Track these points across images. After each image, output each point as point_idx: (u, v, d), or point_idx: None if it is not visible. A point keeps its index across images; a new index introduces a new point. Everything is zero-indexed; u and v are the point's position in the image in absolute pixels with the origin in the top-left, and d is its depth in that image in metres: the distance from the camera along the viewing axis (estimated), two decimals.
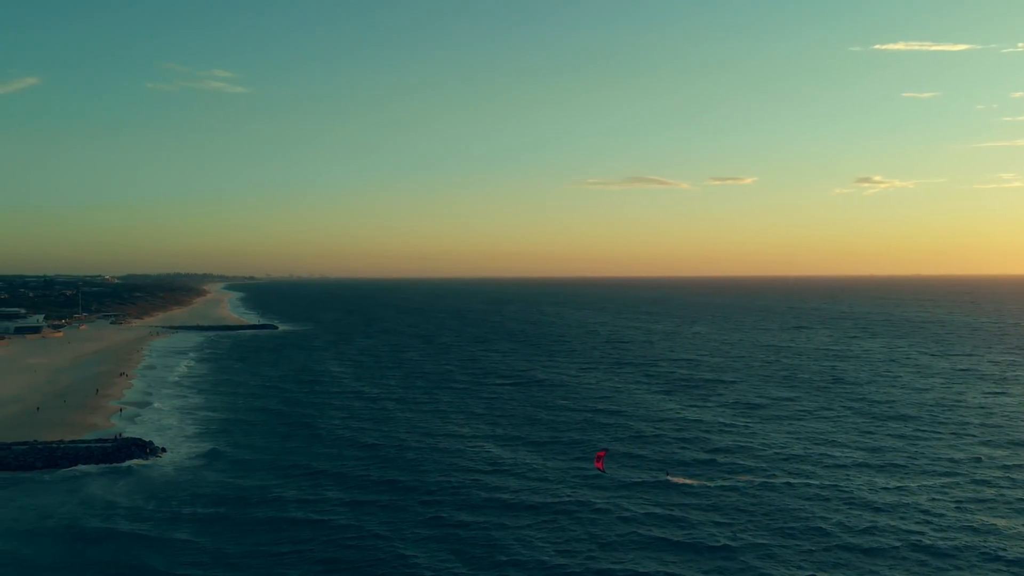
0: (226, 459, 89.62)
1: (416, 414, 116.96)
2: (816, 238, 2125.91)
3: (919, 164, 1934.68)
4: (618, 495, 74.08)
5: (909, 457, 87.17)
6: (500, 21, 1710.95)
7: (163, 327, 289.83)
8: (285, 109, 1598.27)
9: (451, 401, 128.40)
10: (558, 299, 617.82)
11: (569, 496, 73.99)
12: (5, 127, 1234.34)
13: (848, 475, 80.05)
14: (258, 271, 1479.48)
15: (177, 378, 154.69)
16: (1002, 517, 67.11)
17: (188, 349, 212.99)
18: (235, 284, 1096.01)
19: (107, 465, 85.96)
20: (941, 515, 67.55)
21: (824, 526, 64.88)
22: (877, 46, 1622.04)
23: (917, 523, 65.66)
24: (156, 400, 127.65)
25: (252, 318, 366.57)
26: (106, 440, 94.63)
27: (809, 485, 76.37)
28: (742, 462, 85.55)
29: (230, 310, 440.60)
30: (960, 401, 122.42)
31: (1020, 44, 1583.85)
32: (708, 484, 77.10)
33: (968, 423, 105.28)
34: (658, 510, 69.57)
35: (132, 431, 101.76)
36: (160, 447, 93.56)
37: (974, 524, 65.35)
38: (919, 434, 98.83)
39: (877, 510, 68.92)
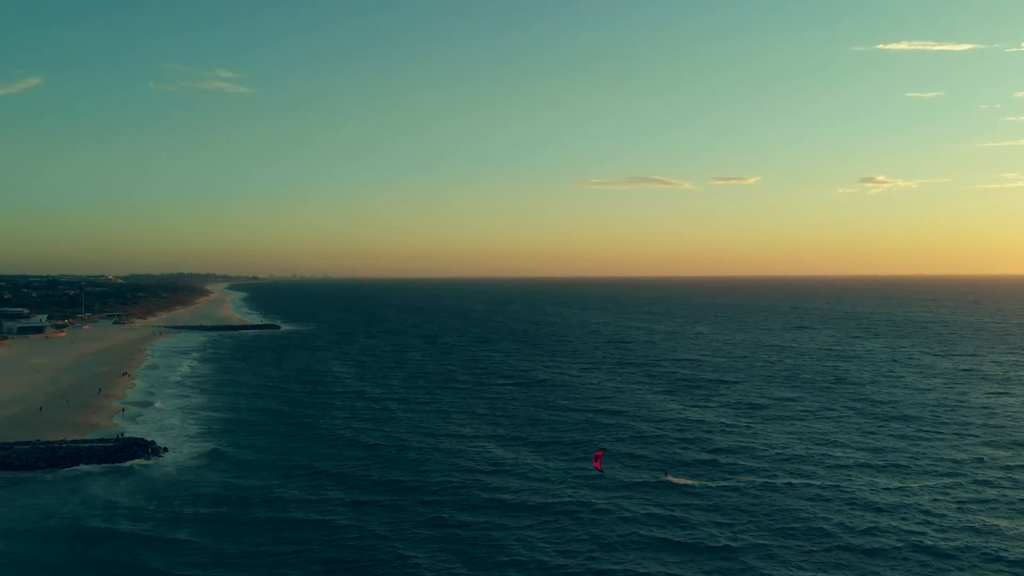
0: (228, 459, 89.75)
1: (418, 414, 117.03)
2: (819, 238, 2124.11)
3: (922, 164, 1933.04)
4: (619, 495, 74.07)
5: (911, 457, 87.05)
6: (503, 21, 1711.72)
7: (166, 327, 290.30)
8: (288, 109, 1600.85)
9: (453, 401, 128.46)
10: (561, 299, 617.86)
11: (570, 496, 73.99)
12: (9, 127, 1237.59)
13: (850, 475, 79.96)
14: (261, 271, 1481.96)
15: (179, 378, 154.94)
16: (1004, 518, 66.99)
17: (191, 349, 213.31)
18: (238, 284, 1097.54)
19: (109, 465, 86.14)
20: (943, 516, 67.45)
21: (825, 527, 64.81)
22: (880, 46, 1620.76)
23: (918, 524, 65.57)
24: (158, 400, 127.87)
25: (255, 318, 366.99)
26: (108, 440, 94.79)
27: (810, 485, 76.30)
28: (743, 462, 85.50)
29: (233, 310, 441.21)
30: (963, 401, 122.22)
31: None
32: (709, 484, 77.06)
33: (970, 423, 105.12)
34: (659, 510, 69.55)
35: (134, 431, 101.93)
36: (162, 447, 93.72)
37: (976, 525, 65.25)
38: (921, 434, 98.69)
39: (879, 511, 68.84)
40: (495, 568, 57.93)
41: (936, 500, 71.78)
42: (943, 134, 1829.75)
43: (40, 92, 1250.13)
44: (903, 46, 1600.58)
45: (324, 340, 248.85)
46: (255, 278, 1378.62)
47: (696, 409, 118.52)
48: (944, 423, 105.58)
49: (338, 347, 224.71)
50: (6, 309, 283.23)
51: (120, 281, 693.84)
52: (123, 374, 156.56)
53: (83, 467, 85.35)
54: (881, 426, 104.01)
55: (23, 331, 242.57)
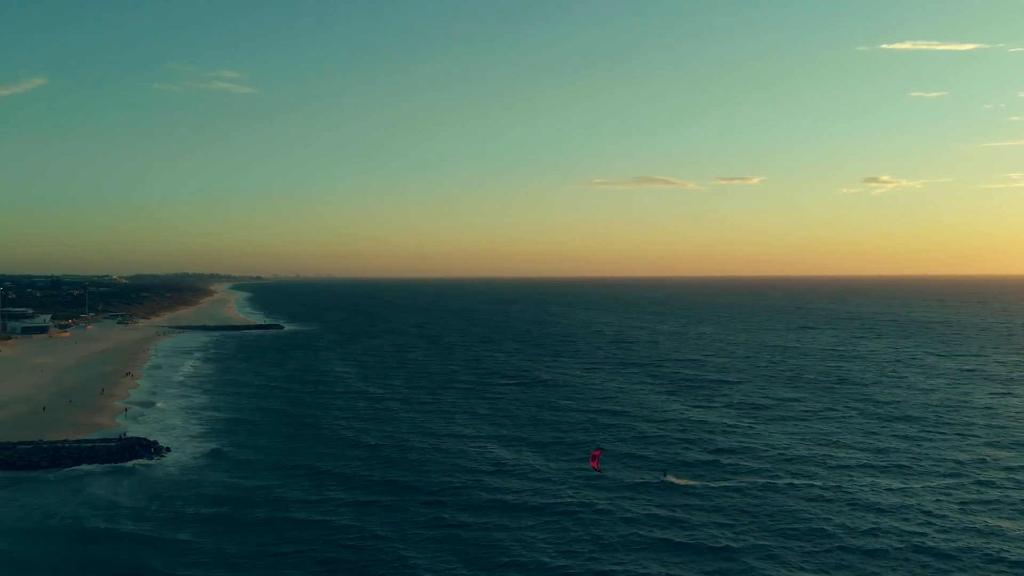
0: (230, 459, 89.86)
1: (420, 414, 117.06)
2: (823, 238, 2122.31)
3: (927, 164, 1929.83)
4: (620, 496, 74.00)
5: (913, 458, 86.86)
6: (507, 22, 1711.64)
7: (170, 327, 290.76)
8: (292, 110, 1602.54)
9: (455, 401, 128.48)
10: (564, 299, 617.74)
11: (571, 497, 73.93)
12: (13, 127, 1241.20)
13: (852, 476, 79.80)
14: (265, 271, 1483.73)
15: (182, 378, 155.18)
16: (1006, 519, 66.81)
17: (194, 349, 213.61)
18: (242, 284, 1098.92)
19: (111, 465, 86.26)
20: (944, 516, 67.28)
21: (827, 527, 64.68)
22: (884, 45, 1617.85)
23: (920, 524, 65.42)
24: (161, 400, 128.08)
25: (258, 318, 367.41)
26: (111, 440, 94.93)
27: (812, 486, 76.16)
28: (745, 463, 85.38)
29: (236, 310, 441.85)
30: (966, 402, 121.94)
31: None
32: (711, 485, 76.96)
33: (973, 424, 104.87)
34: (660, 511, 69.47)
35: (137, 431, 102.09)
36: (164, 447, 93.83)
37: (978, 526, 65.08)
38: (924, 435, 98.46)
39: (880, 511, 68.69)
40: (496, 569, 57.91)
41: (938, 501, 71.61)
42: (947, 134, 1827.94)
43: (44, 92, 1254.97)
44: (907, 46, 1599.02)
45: (327, 340, 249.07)
46: (259, 278, 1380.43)
47: (698, 409, 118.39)
48: (947, 423, 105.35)
49: (341, 347, 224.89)
50: (10, 309, 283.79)
51: (124, 281, 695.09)
52: (126, 374, 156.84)
53: (85, 467, 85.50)
54: (884, 426, 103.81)
55: (27, 331, 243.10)
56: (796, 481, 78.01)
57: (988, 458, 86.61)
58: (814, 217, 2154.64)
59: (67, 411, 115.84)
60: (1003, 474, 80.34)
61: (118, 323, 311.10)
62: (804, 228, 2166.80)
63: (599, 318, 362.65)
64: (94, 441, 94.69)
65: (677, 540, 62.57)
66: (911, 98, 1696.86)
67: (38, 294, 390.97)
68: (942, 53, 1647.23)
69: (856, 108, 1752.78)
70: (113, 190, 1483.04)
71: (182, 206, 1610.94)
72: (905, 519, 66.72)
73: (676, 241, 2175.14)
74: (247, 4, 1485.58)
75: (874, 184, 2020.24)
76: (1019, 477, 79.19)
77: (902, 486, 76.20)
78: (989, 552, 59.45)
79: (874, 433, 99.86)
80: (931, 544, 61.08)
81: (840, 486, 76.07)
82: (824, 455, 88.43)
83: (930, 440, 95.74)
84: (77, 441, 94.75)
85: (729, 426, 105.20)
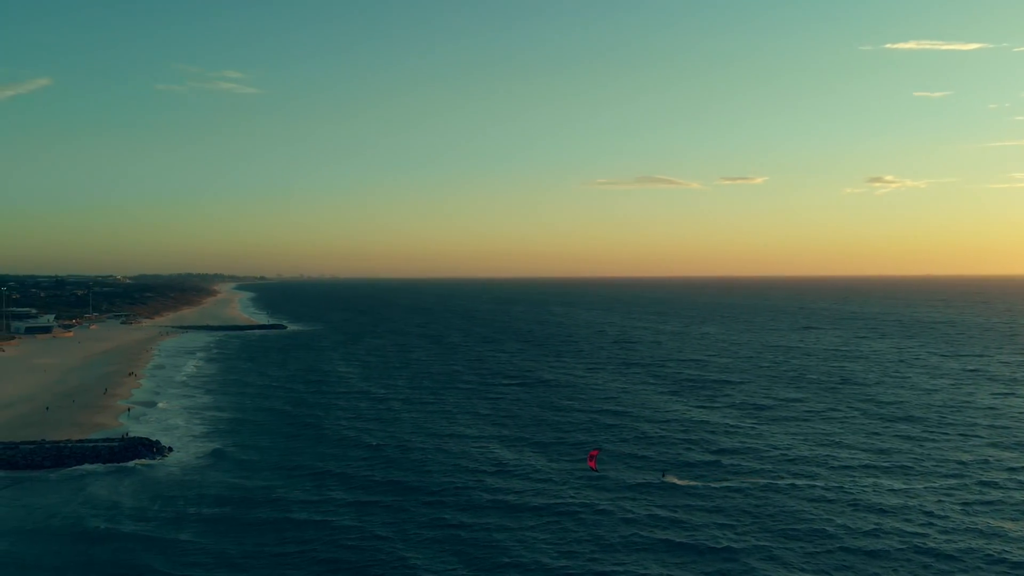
0: (232, 459, 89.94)
1: (422, 415, 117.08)
2: (827, 238, 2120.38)
3: (931, 164, 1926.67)
4: (621, 496, 73.94)
5: (916, 459, 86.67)
6: (512, 21, 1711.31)
7: (173, 327, 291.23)
8: (296, 109, 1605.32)
9: (457, 402, 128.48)
10: (567, 299, 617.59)
11: (572, 498, 73.87)
12: (17, 127, 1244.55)
13: (854, 477, 79.63)
14: (269, 271, 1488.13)
15: (185, 378, 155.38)
16: (1008, 519, 66.63)
17: (197, 349, 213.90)
18: (246, 284, 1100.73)
19: (114, 464, 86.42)
20: (946, 517, 67.12)
21: (828, 528, 64.57)
22: (888, 45, 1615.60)
23: (922, 525, 65.28)
24: (164, 400, 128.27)
25: (261, 318, 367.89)
26: (113, 440, 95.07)
27: (814, 487, 76.01)
28: (747, 463, 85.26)
29: (240, 310, 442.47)
30: (969, 402, 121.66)
31: None
32: (712, 485, 76.86)
33: (976, 424, 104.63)
34: (662, 512, 69.40)
35: (139, 431, 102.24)
36: (167, 447, 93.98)
37: (979, 526, 64.91)
38: (927, 435, 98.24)
39: (882, 512, 68.55)
40: (496, 569, 57.88)
41: (940, 502, 71.43)
42: (951, 134, 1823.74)
43: (49, 93, 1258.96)
44: (911, 45, 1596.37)
45: (330, 340, 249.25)
46: (263, 278, 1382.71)
47: (701, 410, 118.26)
48: (950, 424, 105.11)
49: (344, 347, 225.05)
50: (14, 309, 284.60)
51: (128, 281, 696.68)
52: (129, 374, 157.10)
53: (87, 466, 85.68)
54: (886, 427, 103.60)
55: (31, 331, 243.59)
56: (798, 482, 77.87)
57: (991, 459, 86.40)
58: (818, 217, 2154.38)
59: (70, 411, 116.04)
60: (1006, 475, 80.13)
61: (122, 323, 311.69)
62: (808, 228, 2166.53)
63: (602, 318, 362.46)
64: (96, 441, 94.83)
65: (678, 541, 62.50)
66: (915, 98, 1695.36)
67: (42, 294, 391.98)
68: (946, 53, 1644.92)
69: (860, 108, 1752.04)
70: (117, 190, 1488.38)
71: (186, 206, 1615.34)
72: (907, 520, 66.56)
73: (679, 241, 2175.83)
74: (251, 4, 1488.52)
75: (878, 184, 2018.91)
76: (1022, 478, 78.97)
77: (904, 487, 76.03)
78: (991, 553, 59.29)
79: (877, 434, 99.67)
80: (933, 545, 60.94)
81: (842, 487, 75.93)
82: (826, 455, 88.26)
83: (933, 441, 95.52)
84: (79, 441, 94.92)
85: (731, 426, 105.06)
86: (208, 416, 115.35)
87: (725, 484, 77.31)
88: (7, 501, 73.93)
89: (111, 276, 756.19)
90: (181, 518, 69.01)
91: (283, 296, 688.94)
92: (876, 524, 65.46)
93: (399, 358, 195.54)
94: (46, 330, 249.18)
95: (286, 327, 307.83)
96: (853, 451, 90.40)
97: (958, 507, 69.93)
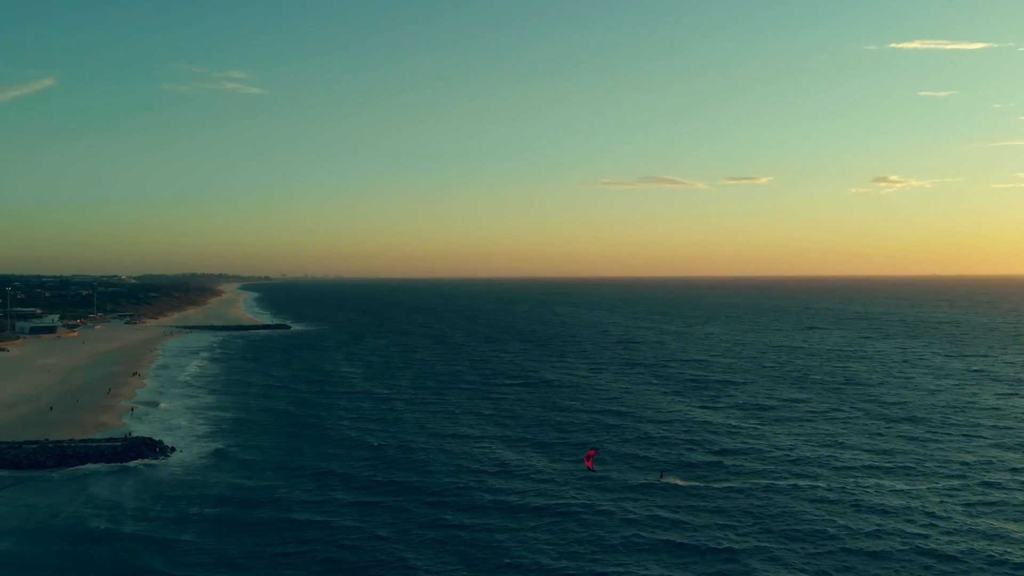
0: (234, 459, 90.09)
1: (424, 415, 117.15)
2: (832, 238, 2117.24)
3: (936, 163, 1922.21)
4: (623, 497, 73.89)
5: (919, 459, 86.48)
6: (517, 21, 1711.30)
7: (177, 327, 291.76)
8: (300, 109, 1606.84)
9: (460, 402, 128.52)
10: (570, 299, 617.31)
11: (574, 498, 73.84)
12: (22, 127, 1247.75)
13: (856, 478, 79.47)
14: (273, 271, 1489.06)
15: (189, 378, 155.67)
16: (1011, 520, 66.44)
17: (201, 349, 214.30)
18: (250, 284, 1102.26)
19: (116, 464, 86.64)
20: (948, 518, 66.95)
21: (830, 529, 64.46)
22: (893, 44, 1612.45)
23: (924, 526, 65.12)
24: (167, 400, 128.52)
25: (265, 318, 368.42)
26: (116, 439, 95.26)
27: (816, 488, 75.88)
28: (749, 464, 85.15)
29: (244, 310, 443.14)
30: (973, 403, 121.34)
31: None
32: (714, 486, 76.77)
33: (980, 425, 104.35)
34: (663, 512, 69.34)
35: (142, 430, 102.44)
36: (169, 446, 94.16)
37: (982, 527, 64.75)
38: (930, 436, 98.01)
39: (884, 513, 68.40)
40: (497, 570, 57.90)
41: (943, 503, 71.26)
42: (957, 133, 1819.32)
43: (54, 93, 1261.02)
44: (916, 45, 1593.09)
45: (333, 340, 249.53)
46: (267, 278, 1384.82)
47: (703, 410, 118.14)
48: (953, 424, 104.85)
49: (347, 347, 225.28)
50: (19, 309, 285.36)
51: (133, 281, 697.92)
52: (133, 374, 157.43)
53: (90, 466, 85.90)
54: (889, 427, 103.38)
55: (35, 331, 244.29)
56: (800, 482, 77.75)
57: (994, 459, 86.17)
58: (823, 217, 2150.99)
59: (73, 411, 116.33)
60: (1009, 475, 79.91)
61: (126, 323, 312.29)
62: (813, 228, 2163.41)
63: (605, 318, 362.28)
64: (99, 440, 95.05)
65: (680, 541, 62.43)
66: (920, 97, 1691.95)
67: (47, 294, 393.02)
68: (951, 52, 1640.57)
69: (865, 108, 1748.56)
70: (122, 190, 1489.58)
71: (190, 206, 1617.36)
72: (909, 521, 66.41)
73: (683, 241, 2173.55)
74: (255, 5, 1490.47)
75: (883, 184, 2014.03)
76: None
77: (907, 488, 75.86)
78: (993, 554, 59.13)
79: (880, 434, 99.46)
80: (935, 546, 60.80)
81: (844, 487, 75.79)
82: (829, 456, 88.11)
83: (936, 441, 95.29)
84: (82, 440, 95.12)
85: (734, 427, 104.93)
86: (211, 416, 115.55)
87: (727, 485, 77.21)
88: (10, 501, 74.15)
89: (116, 276, 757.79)
90: (183, 518, 69.14)
91: (287, 296, 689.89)
92: (878, 525, 65.33)
93: (402, 358, 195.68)
94: (50, 330, 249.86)
95: (290, 327, 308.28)
96: (856, 452, 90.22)
97: (961, 508, 69.75)
